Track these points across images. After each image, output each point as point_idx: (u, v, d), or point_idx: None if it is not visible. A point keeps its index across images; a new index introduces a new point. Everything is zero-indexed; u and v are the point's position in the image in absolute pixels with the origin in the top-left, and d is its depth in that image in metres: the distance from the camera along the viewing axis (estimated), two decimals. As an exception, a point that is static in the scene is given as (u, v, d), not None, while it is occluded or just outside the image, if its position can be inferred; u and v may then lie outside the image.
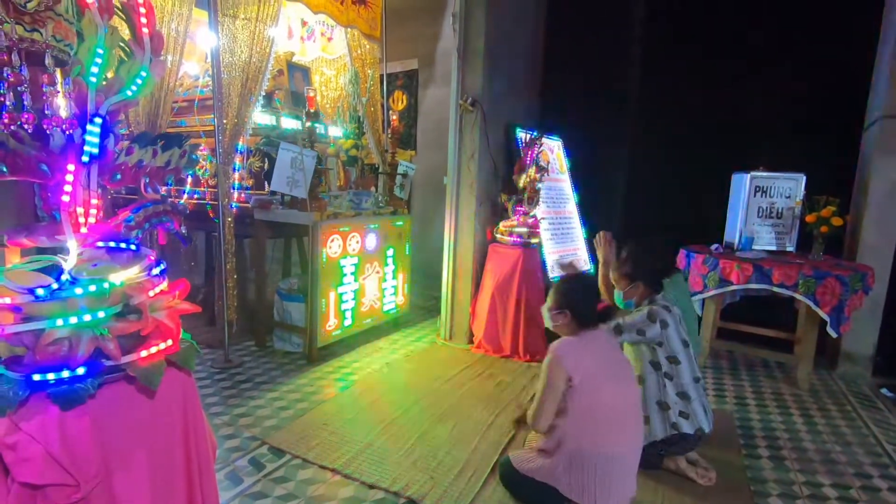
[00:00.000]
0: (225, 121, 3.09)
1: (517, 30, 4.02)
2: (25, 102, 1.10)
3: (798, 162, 3.37)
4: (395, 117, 4.02)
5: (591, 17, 4.25)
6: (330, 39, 4.39)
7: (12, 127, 1.05)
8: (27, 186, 1.34)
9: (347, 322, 3.48)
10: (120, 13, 1.24)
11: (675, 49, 3.97)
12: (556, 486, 1.76)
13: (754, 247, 3.35)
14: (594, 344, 1.84)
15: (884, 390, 3.17)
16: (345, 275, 3.38)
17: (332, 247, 3.25)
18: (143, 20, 1.26)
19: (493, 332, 3.56)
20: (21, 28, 1.19)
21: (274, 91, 3.71)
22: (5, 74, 1.08)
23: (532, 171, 3.59)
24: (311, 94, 3.49)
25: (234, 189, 3.41)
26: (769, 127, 3.72)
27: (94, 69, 1.14)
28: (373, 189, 4.01)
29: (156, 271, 1.27)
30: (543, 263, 3.73)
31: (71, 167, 1.13)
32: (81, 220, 1.18)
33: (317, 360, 3.26)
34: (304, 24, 4.30)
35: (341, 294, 3.38)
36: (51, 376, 1.04)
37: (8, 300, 1.06)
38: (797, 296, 2.97)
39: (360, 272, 3.51)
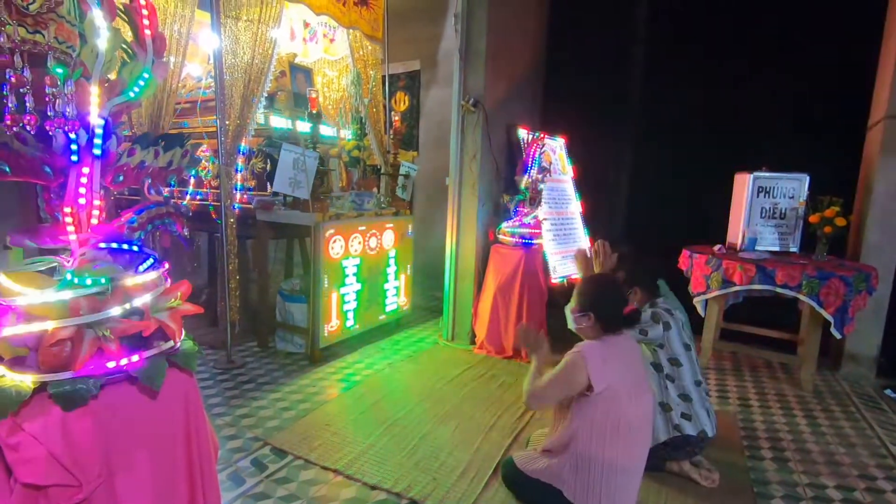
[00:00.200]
0: (227, 122, 3.10)
1: (519, 30, 4.02)
2: (28, 104, 1.10)
3: (801, 162, 3.36)
4: (397, 118, 4.03)
5: (594, 16, 4.25)
6: (332, 41, 4.40)
7: (14, 128, 1.05)
8: (30, 188, 1.35)
9: (349, 323, 3.48)
10: (122, 15, 1.24)
11: (677, 49, 3.96)
12: (561, 487, 1.75)
13: (757, 247, 3.34)
14: (619, 352, 1.76)
15: (888, 391, 3.15)
16: (347, 275, 3.39)
17: (334, 247, 3.25)
18: (146, 22, 1.26)
19: (496, 333, 3.55)
20: (24, 30, 1.20)
21: (276, 92, 3.71)
22: (8, 76, 1.08)
23: (534, 171, 3.59)
24: (314, 96, 3.50)
25: (236, 190, 3.42)
26: (772, 127, 3.71)
27: (97, 71, 1.15)
28: (375, 190, 4.01)
29: (158, 272, 1.27)
30: (546, 264, 3.72)
31: (74, 169, 1.14)
32: (84, 221, 1.19)
33: (319, 360, 3.27)
34: (306, 25, 4.30)
35: (343, 295, 3.38)
36: (53, 377, 1.05)
37: (11, 301, 1.06)
38: (801, 296, 2.95)
39: (362, 273, 3.51)
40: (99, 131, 1.16)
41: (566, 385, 1.73)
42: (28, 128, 1.08)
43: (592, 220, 4.36)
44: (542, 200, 3.69)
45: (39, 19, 1.24)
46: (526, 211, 3.61)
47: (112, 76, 1.22)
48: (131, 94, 1.24)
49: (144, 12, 1.26)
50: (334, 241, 3.25)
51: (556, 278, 3.76)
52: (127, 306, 1.15)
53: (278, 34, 3.29)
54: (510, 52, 3.86)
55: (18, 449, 1.01)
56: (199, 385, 2.38)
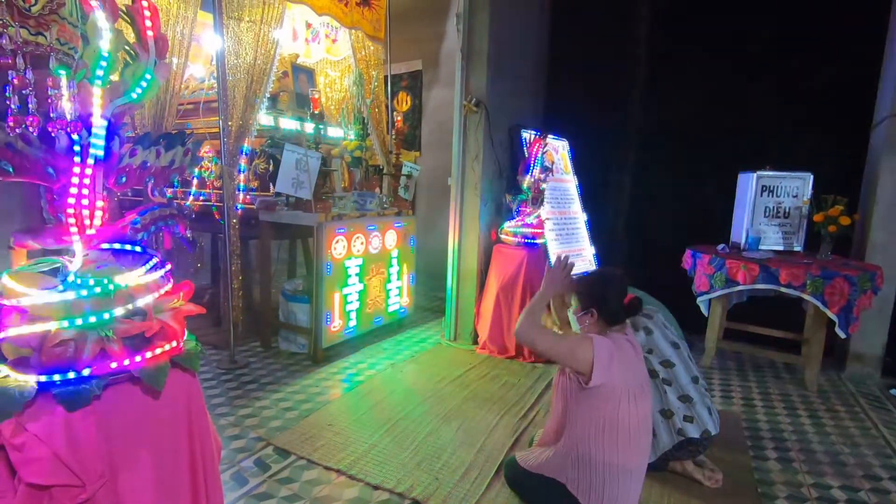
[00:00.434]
0: (230, 123, 3.11)
1: (521, 30, 4.02)
2: (30, 105, 1.10)
3: (805, 160, 3.34)
4: (399, 118, 4.03)
5: (596, 16, 4.24)
6: (334, 41, 4.40)
7: (17, 130, 1.05)
8: (33, 189, 1.35)
9: (352, 323, 3.48)
10: (125, 16, 1.25)
11: (680, 48, 3.96)
12: (563, 481, 1.75)
13: (761, 247, 3.33)
14: (625, 356, 1.74)
15: (893, 391, 3.13)
16: (349, 276, 3.39)
17: (336, 248, 3.26)
18: (148, 23, 1.26)
19: (498, 333, 3.55)
20: (26, 31, 1.20)
21: (279, 93, 3.72)
22: (10, 78, 1.09)
23: (536, 171, 3.58)
24: (316, 96, 3.50)
25: (239, 191, 3.43)
26: (776, 125, 3.69)
27: (99, 72, 1.15)
28: (377, 190, 4.02)
29: (160, 273, 1.28)
30: (548, 264, 3.71)
31: (77, 170, 1.14)
32: (87, 222, 1.19)
33: (322, 360, 3.27)
34: (308, 26, 4.31)
35: (346, 295, 3.39)
36: (56, 377, 1.05)
37: (15, 301, 1.07)
38: (805, 296, 2.94)
39: (364, 273, 3.52)
40: (101, 132, 1.16)
41: (566, 350, 1.69)
42: (31, 129, 1.08)
43: (595, 220, 4.35)
44: (545, 200, 3.69)
45: (41, 21, 1.24)
46: (528, 211, 3.61)
47: (114, 77, 1.22)
48: (133, 96, 1.24)
49: (147, 14, 1.26)
50: (337, 242, 3.25)
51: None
52: (130, 307, 1.15)
53: (280, 35, 3.31)
54: (512, 51, 3.86)
55: (22, 449, 1.01)
56: (202, 385, 2.38)
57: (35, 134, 1.08)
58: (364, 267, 3.51)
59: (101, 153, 1.17)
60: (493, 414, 2.64)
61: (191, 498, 1.24)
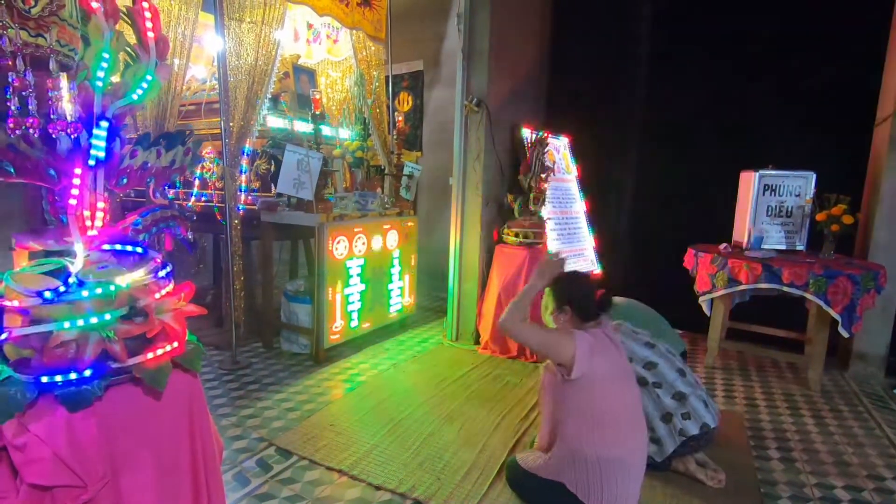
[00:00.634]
0: (231, 124, 3.11)
1: (522, 30, 4.01)
2: (31, 107, 1.11)
3: (808, 159, 3.33)
4: (400, 118, 4.03)
5: (597, 15, 4.23)
6: (335, 42, 4.41)
7: (17, 132, 1.06)
8: (35, 190, 1.36)
9: (354, 323, 3.48)
10: (125, 18, 1.25)
11: (681, 47, 3.94)
12: (562, 480, 1.75)
13: (764, 246, 3.32)
14: (605, 349, 1.81)
15: (897, 391, 3.12)
16: (351, 276, 3.39)
17: (338, 248, 3.26)
18: (149, 24, 1.27)
19: (500, 333, 3.55)
20: (25, 33, 1.21)
21: (280, 94, 3.73)
22: (10, 79, 1.09)
23: (537, 170, 3.58)
24: (317, 97, 3.51)
25: (240, 191, 3.43)
26: (778, 124, 3.68)
27: (101, 73, 1.16)
28: (378, 190, 4.02)
29: (162, 274, 1.28)
30: (544, 258, 3.71)
31: (78, 170, 1.15)
32: (88, 223, 1.19)
33: (323, 361, 3.27)
34: (309, 26, 4.31)
35: (348, 295, 3.39)
36: (58, 378, 1.05)
37: (16, 303, 1.07)
38: (808, 295, 2.93)
39: (366, 273, 3.52)
40: (102, 134, 1.16)
41: (550, 344, 1.78)
42: (31, 131, 1.08)
43: (597, 220, 4.35)
44: (546, 200, 3.69)
45: (41, 23, 1.25)
46: (530, 210, 3.60)
47: (115, 79, 1.22)
48: (134, 97, 1.24)
49: (147, 15, 1.26)
50: (338, 242, 3.25)
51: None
52: (131, 308, 1.15)
53: (282, 36, 3.31)
54: (513, 51, 3.85)
55: (24, 450, 1.02)
56: (204, 386, 2.39)
57: (35, 135, 1.08)
58: (365, 267, 3.51)
59: (102, 154, 1.17)
60: (495, 414, 2.64)
61: (192, 498, 1.24)
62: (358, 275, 3.45)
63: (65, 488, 1.02)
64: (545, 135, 3.72)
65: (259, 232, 3.46)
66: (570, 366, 1.72)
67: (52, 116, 1.10)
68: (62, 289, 1.09)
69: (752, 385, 3.18)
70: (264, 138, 3.50)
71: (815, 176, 3.28)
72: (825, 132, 3.45)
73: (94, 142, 1.16)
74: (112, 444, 1.08)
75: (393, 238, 3.76)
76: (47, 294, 1.07)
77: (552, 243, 3.77)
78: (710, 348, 3.43)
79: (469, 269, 3.74)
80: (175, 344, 1.24)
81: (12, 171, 1.09)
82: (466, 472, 2.11)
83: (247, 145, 3.36)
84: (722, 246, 3.46)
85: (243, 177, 3.50)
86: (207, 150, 3.58)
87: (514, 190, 3.72)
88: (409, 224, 3.95)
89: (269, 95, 3.31)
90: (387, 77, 4.23)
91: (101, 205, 1.21)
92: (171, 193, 3.66)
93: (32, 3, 1.23)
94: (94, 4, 1.13)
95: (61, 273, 1.17)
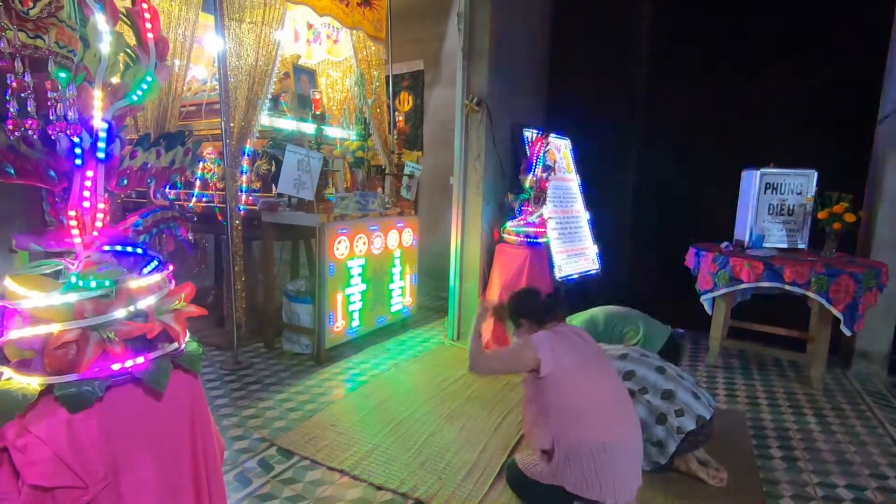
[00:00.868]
0: (232, 124, 3.11)
1: (522, 29, 4.01)
2: (29, 109, 1.11)
3: (809, 157, 3.32)
4: (401, 118, 4.03)
5: (598, 14, 4.23)
6: (336, 42, 4.41)
7: (16, 133, 1.06)
8: (35, 192, 1.36)
9: (355, 323, 3.48)
10: (125, 19, 1.25)
11: (682, 45, 3.93)
12: (561, 484, 1.76)
13: (765, 244, 3.31)
14: (567, 340, 1.91)
15: (900, 389, 3.11)
16: (352, 276, 3.39)
17: (339, 248, 3.26)
18: (149, 26, 1.27)
19: (501, 333, 3.54)
20: (24, 35, 1.21)
21: (280, 94, 3.73)
22: (9, 81, 1.09)
23: (538, 170, 3.58)
24: (317, 97, 3.51)
25: (241, 192, 3.44)
26: (779, 122, 3.67)
27: (100, 75, 1.16)
28: (379, 190, 4.02)
29: (162, 275, 1.28)
30: (551, 263, 3.71)
31: (79, 173, 1.15)
32: (88, 224, 1.20)
33: (325, 361, 3.28)
34: (309, 26, 4.31)
35: (349, 295, 3.39)
36: (59, 379, 1.06)
37: (17, 304, 1.07)
38: (810, 294, 2.92)
39: (367, 273, 3.52)
40: (102, 135, 1.17)
41: (513, 359, 1.93)
42: (30, 132, 1.09)
43: (598, 218, 4.34)
44: (547, 199, 3.68)
45: (40, 24, 1.25)
46: (531, 210, 3.60)
47: (115, 80, 1.23)
48: (134, 98, 1.24)
49: (147, 16, 1.26)
50: (339, 242, 3.25)
51: (561, 277, 3.75)
52: (131, 309, 1.16)
53: (282, 36, 3.31)
54: (513, 50, 3.85)
55: (25, 451, 1.02)
56: (205, 386, 2.39)
57: (35, 137, 1.08)
58: (366, 267, 3.51)
59: (102, 155, 1.17)
60: (496, 414, 2.64)
61: (193, 498, 1.24)
62: (359, 275, 3.45)
63: (66, 489, 1.02)
64: (546, 133, 3.71)
65: (260, 232, 3.46)
66: (538, 366, 1.81)
67: (51, 118, 1.10)
68: (62, 290, 1.09)
69: (753, 384, 3.17)
70: (265, 139, 3.51)
71: (816, 174, 3.27)
72: (827, 130, 3.44)
73: (94, 143, 1.16)
74: (113, 444, 1.09)
75: (394, 238, 3.76)
76: (48, 295, 1.07)
77: (553, 242, 3.77)
78: (711, 347, 3.43)
79: (470, 269, 3.74)
80: (175, 345, 1.25)
81: (13, 172, 1.09)
82: (468, 472, 2.11)
83: (247, 146, 3.36)
84: (723, 244, 3.46)
85: (244, 177, 3.50)
86: (208, 151, 3.59)
87: (514, 189, 3.72)
88: (410, 224, 3.95)
89: (269, 96, 3.31)
90: (387, 77, 4.23)
91: (101, 206, 1.21)
92: (172, 194, 3.66)
93: (31, 5, 1.24)
94: (93, 5, 1.13)
95: (61, 274, 1.17)
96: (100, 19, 1.12)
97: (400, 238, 3.83)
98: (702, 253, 3.38)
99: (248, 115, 3.19)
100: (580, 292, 4.01)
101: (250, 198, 3.50)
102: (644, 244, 4.27)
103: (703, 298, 3.36)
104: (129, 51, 1.25)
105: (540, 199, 3.60)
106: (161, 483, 1.16)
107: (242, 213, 3.30)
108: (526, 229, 3.57)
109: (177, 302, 1.30)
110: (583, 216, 4.30)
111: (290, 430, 2.42)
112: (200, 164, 3.62)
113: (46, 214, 1.24)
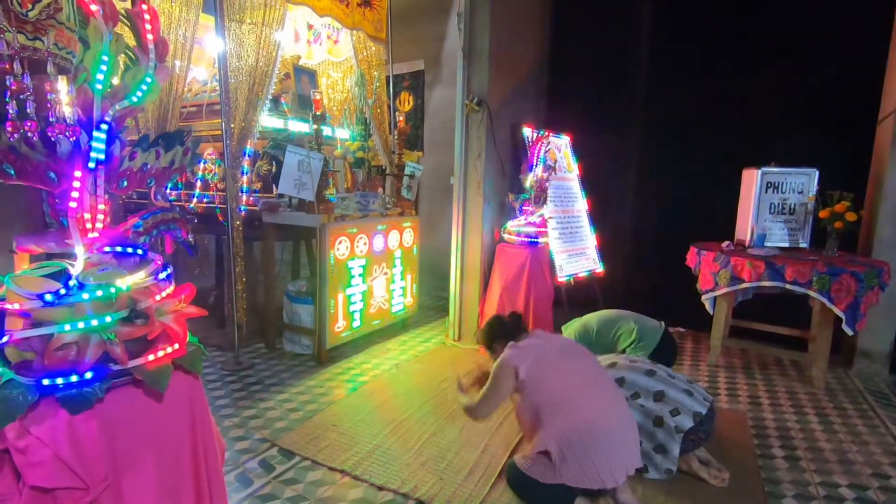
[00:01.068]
0: (233, 125, 3.12)
1: (523, 29, 4.01)
2: (29, 110, 1.11)
3: (810, 156, 3.31)
4: (401, 118, 4.03)
5: (597, 14, 4.22)
6: (336, 42, 4.41)
7: (16, 135, 1.06)
8: (35, 193, 1.36)
9: (356, 323, 3.49)
10: (125, 20, 1.25)
11: (682, 44, 3.93)
12: (562, 481, 1.77)
13: (766, 244, 3.30)
14: (536, 343, 2.08)
15: (902, 388, 3.10)
16: (353, 276, 3.39)
17: (339, 248, 3.26)
18: (148, 27, 1.27)
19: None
20: (23, 37, 1.21)
21: (281, 95, 3.73)
22: (8, 83, 1.09)
23: (539, 169, 3.58)
24: (318, 97, 3.51)
25: (242, 192, 3.44)
26: (780, 121, 3.66)
27: (100, 76, 1.16)
28: (380, 190, 4.02)
29: (162, 276, 1.28)
30: (552, 263, 3.71)
31: (78, 173, 1.15)
32: (89, 225, 1.20)
33: (326, 361, 3.28)
34: (310, 27, 4.32)
35: (350, 296, 3.39)
36: (59, 381, 1.06)
37: (17, 305, 1.07)
38: (811, 293, 2.91)
39: (368, 273, 3.52)
40: (102, 136, 1.17)
41: (498, 387, 2.02)
42: (30, 134, 1.09)
43: (599, 218, 4.34)
44: (548, 199, 3.68)
45: (39, 26, 1.25)
46: (531, 209, 3.60)
47: (115, 81, 1.23)
48: (134, 99, 1.24)
49: (146, 17, 1.26)
50: (340, 242, 3.25)
51: (562, 276, 3.75)
52: (132, 310, 1.16)
53: (282, 37, 3.31)
54: (514, 50, 3.85)
55: (26, 452, 1.02)
56: (207, 386, 2.39)
57: (34, 139, 1.08)
58: (367, 267, 3.51)
59: (101, 157, 1.17)
60: (497, 413, 2.62)
61: (194, 499, 1.24)
62: (360, 275, 3.45)
63: (67, 490, 1.02)
64: (546, 133, 3.71)
65: (261, 233, 3.47)
66: (517, 374, 1.95)
67: (50, 119, 1.10)
68: (63, 291, 1.09)
69: (755, 383, 3.17)
70: (265, 139, 3.51)
71: (817, 173, 3.26)
72: (828, 129, 3.43)
73: (94, 144, 1.16)
74: (113, 445, 1.09)
75: (394, 238, 3.76)
76: (48, 297, 1.07)
77: (554, 242, 3.77)
78: (713, 346, 3.42)
79: (471, 269, 3.74)
80: (176, 346, 1.25)
81: (13, 172, 1.09)
82: (469, 472, 2.11)
83: (248, 146, 3.37)
84: (724, 244, 3.45)
85: (245, 178, 3.50)
86: (209, 152, 3.59)
87: (515, 189, 3.72)
88: (411, 224, 3.95)
89: (269, 96, 3.31)
90: (388, 77, 4.23)
91: (101, 207, 1.21)
92: (173, 195, 3.67)
93: (30, 7, 1.24)
94: (94, 7, 1.13)
95: (62, 275, 1.17)
96: (100, 20, 1.12)
97: (401, 238, 3.83)
98: (703, 252, 3.37)
99: (248, 116, 3.19)
100: (582, 292, 4.01)
101: (251, 198, 3.50)
102: (645, 243, 4.27)
103: (704, 298, 3.35)
104: (128, 52, 1.25)
105: (540, 199, 3.60)
106: (162, 484, 1.16)
107: (243, 213, 3.30)
108: (527, 229, 3.57)
109: (177, 303, 1.30)
110: (583, 216, 4.29)
111: (291, 430, 2.42)
112: (201, 165, 3.62)
113: (47, 216, 1.24)
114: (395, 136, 4.27)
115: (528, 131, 3.80)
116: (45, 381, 1.05)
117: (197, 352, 1.30)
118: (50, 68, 1.13)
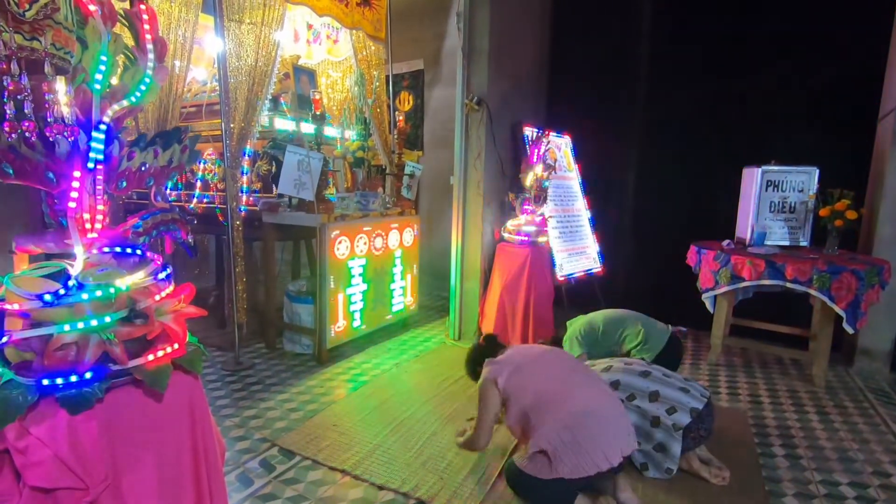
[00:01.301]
0: (232, 125, 3.12)
1: (522, 28, 4.01)
2: (27, 111, 1.11)
3: (811, 155, 3.31)
4: (401, 118, 4.03)
5: (597, 14, 4.22)
6: (335, 42, 4.40)
7: (13, 135, 1.06)
8: (35, 193, 1.36)
9: (356, 323, 3.49)
10: (123, 20, 1.25)
11: (683, 43, 3.93)
12: (560, 475, 1.77)
13: (767, 242, 3.30)
14: (510, 354, 2.18)
15: (903, 387, 3.10)
16: (353, 276, 3.39)
17: (339, 248, 3.26)
18: (147, 27, 1.27)
19: (503, 332, 3.54)
20: (20, 37, 1.21)
21: (280, 94, 3.73)
22: (5, 83, 1.09)
23: (539, 169, 3.57)
24: (317, 97, 3.51)
25: (242, 192, 3.44)
26: (781, 120, 3.66)
27: (98, 76, 1.16)
28: (380, 190, 4.02)
29: (162, 276, 1.28)
30: (552, 262, 3.71)
31: (77, 174, 1.15)
32: (88, 226, 1.20)
33: (326, 361, 3.28)
34: (309, 27, 4.31)
35: (350, 295, 3.39)
36: (59, 381, 1.06)
37: (16, 306, 1.07)
38: (812, 291, 2.91)
39: (368, 273, 3.52)
40: (101, 136, 1.17)
41: (487, 407, 2.10)
42: (27, 134, 1.09)
43: (599, 217, 4.34)
44: (548, 198, 3.68)
45: (36, 26, 1.24)
46: (531, 209, 3.60)
47: (114, 81, 1.22)
48: (133, 99, 1.24)
49: (145, 17, 1.26)
50: (340, 242, 3.25)
51: (562, 276, 3.75)
52: (131, 310, 1.16)
53: (281, 36, 3.31)
54: (513, 49, 3.84)
55: (26, 452, 1.02)
56: (207, 386, 2.39)
57: (32, 139, 1.08)
58: (367, 267, 3.51)
59: (100, 157, 1.17)
60: (498, 413, 2.63)
61: (194, 499, 1.24)
62: (360, 275, 3.45)
63: (67, 490, 1.02)
64: (546, 132, 3.71)
65: (261, 233, 3.47)
66: (497, 385, 2.05)
67: (48, 120, 1.10)
68: (62, 292, 1.09)
69: (756, 382, 3.16)
70: (265, 139, 3.51)
71: (818, 171, 3.26)
72: (828, 127, 3.44)
73: (92, 144, 1.16)
74: (113, 446, 1.09)
75: (394, 238, 3.76)
76: (47, 297, 1.07)
77: (554, 241, 3.77)
78: (713, 345, 3.42)
79: (471, 268, 3.74)
80: (176, 346, 1.24)
81: (11, 172, 1.09)
82: (469, 472, 2.11)
83: (248, 146, 3.37)
84: (725, 242, 3.45)
85: (244, 178, 3.50)
86: (209, 152, 3.59)
87: (515, 188, 3.71)
88: (411, 223, 3.95)
89: (269, 96, 3.31)
90: (387, 76, 4.22)
91: (100, 207, 1.21)
92: (172, 196, 3.67)
93: (27, 7, 1.23)
94: (92, 7, 1.13)
95: (61, 276, 1.17)
96: (98, 20, 1.12)
97: (401, 238, 3.83)
98: (703, 251, 3.37)
99: (248, 116, 3.19)
100: (582, 291, 4.01)
101: (251, 198, 3.50)
102: (645, 242, 4.26)
103: (704, 296, 3.35)
104: (127, 52, 1.25)
105: (540, 198, 3.60)
106: (162, 484, 1.16)
107: (243, 213, 3.30)
108: (527, 228, 3.57)
109: (177, 303, 1.30)
110: (584, 215, 4.29)
111: (291, 430, 2.42)
112: (201, 165, 3.62)
113: (46, 216, 1.24)
114: (395, 136, 4.27)
115: (528, 130, 3.79)
116: (45, 382, 1.05)
117: (197, 352, 1.30)
118: (47, 68, 1.13)
